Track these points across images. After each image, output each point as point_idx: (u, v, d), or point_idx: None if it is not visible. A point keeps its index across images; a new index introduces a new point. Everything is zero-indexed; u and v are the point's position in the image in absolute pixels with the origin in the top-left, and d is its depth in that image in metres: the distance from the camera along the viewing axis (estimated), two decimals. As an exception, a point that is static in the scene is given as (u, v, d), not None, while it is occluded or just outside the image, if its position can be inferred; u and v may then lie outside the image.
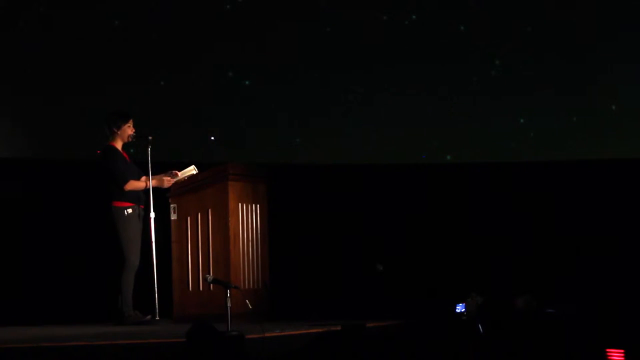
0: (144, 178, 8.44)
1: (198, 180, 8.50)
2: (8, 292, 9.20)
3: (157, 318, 8.27)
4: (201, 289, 8.37)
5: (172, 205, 8.57)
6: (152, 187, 8.38)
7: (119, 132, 8.46)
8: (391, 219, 10.27)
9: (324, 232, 10.13)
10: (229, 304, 7.42)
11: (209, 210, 8.41)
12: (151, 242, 8.35)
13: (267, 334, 6.35)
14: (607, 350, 5.75)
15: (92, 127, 8.86)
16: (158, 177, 8.46)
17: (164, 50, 9.93)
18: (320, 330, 6.83)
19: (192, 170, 8.51)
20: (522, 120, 10.42)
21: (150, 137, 8.45)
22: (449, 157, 10.50)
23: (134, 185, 8.39)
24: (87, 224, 9.32)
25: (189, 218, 8.49)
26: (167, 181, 8.49)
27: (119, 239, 8.32)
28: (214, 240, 8.37)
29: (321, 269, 9.95)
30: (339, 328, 6.38)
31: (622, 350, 5.72)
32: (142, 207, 8.44)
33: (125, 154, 8.52)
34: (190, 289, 8.43)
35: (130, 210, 8.35)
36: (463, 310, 7.17)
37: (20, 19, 9.65)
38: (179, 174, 8.51)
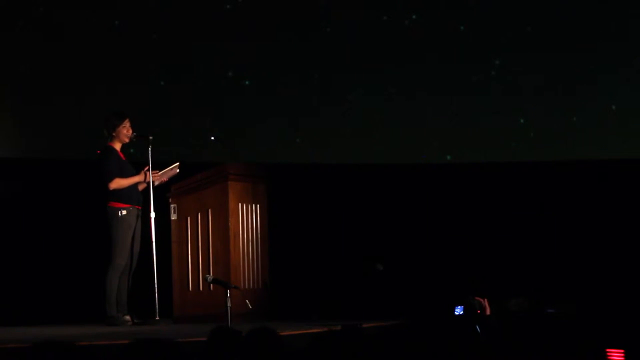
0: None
1: (198, 180, 8.49)
2: (8, 292, 9.20)
3: (157, 318, 8.27)
4: (201, 289, 8.37)
5: (172, 205, 8.56)
6: (145, 182, 8.39)
7: (115, 133, 8.45)
8: (391, 219, 10.27)
9: (324, 232, 10.12)
10: (229, 304, 7.43)
11: (209, 210, 8.40)
12: (151, 242, 8.35)
13: (267, 334, 6.34)
14: (607, 350, 5.75)
15: (92, 127, 8.86)
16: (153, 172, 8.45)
17: (164, 50, 9.93)
18: (320, 330, 6.82)
19: (175, 167, 8.50)
20: (522, 120, 10.42)
21: (150, 137, 8.45)
22: (449, 157, 10.50)
23: (118, 182, 8.36)
24: (87, 224, 9.32)
25: (189, 218, 8.48)
26: (156, 177, 8.45)
27: (110, 239, 8.32)
28: (214, 240, 8.36)
29: (321, 269, 9.95)
30: (339, 328, 6.37)
31: (622, 350, 5.72)
32: (140, 208, 8.43)
33: (122, 155, 8.51)
34: (190, 289, 8.43)
35: (124, 212, 8.33)
36: (462, 312, 7.17)
37: (20, 19, 9.65)
38: (163, 171, 8.49)
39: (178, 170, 8.55)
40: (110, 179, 8.32)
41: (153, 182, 8.44)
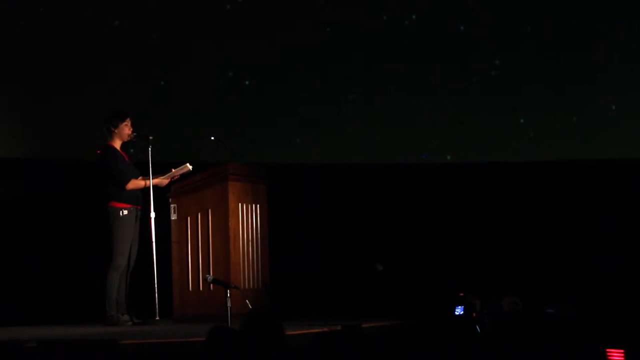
0: (140, 178, 8.45)
1: (198, 180, 8.49)
2: (8, 292, 9.20)
3: (157, 318, 8.27)
4: (201, 289, 8.37)
5: (172, 205, 8.56)
6: (152, 186, 8.39)
7: (117, 132, 8.46)
8: (391, 219, 10.27)
9: (324, 232, 10.13)
10: (229, 304, 7.44)
11: (209, 210, 8.40)
12: (151, 242, 8.35)
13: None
14: (607, 350, 5.76)
15: (92, 127, 8.86)
16: (159, 177, 8.47)
17: (164, 50, 9.93)
18: (320, 330, 6.83)
19: (186, 167, 8.51)
20: (522, 120, 10.42)
21: (150, 137, 8.45)
22: (449, 157, 10.50)
23: (135, 184, 8.39)
24: (87, 224, 9.32)
25: (189, 218, 8.48)
26: (166, 179, 8.51)
27: (111, 238, 8.32)
28: (214, 240, 8.36)
29: (321, 269, 9.96)
30: (339, 328, 6.38)
31: (622, 350, 5.73)
32: (140, 207, 8.44)
33: (124, 154, 8.53)
34: (190, 289, 8.43)
35: (125, 212, 8.34)
36: (462, 312, 7.17)
37: (20, 19, 9.65)
38: (174, 170, 8.51)
39: (191, 168, 8.51)
40: (126, 180, 8.33)
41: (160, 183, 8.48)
